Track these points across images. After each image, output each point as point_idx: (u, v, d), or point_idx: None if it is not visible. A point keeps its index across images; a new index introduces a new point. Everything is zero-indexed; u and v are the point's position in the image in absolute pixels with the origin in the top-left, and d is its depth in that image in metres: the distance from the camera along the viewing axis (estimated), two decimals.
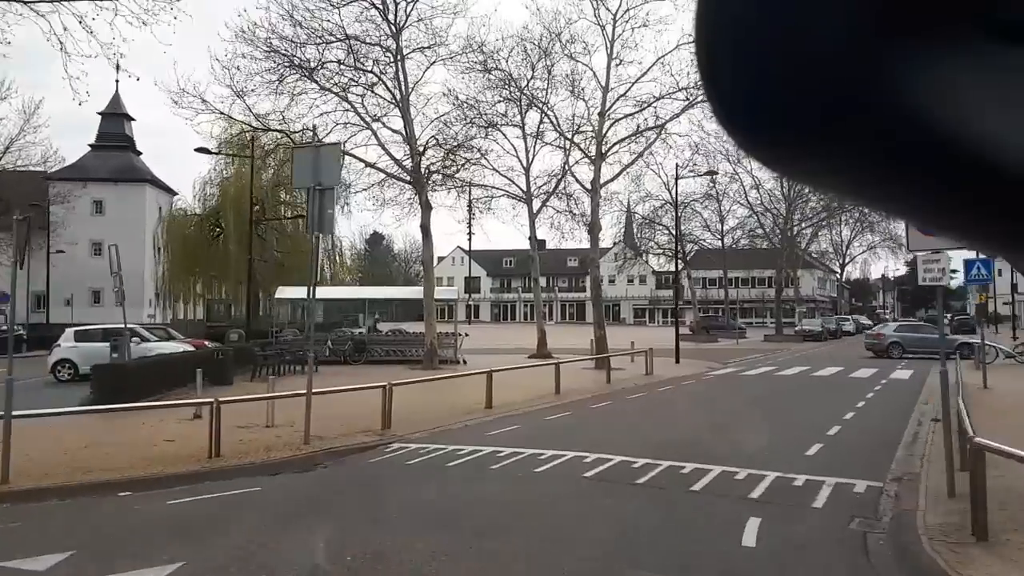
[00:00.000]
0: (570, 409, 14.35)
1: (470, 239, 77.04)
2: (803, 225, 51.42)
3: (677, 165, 27.39)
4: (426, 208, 22.87)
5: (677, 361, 27.61)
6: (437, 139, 22.86)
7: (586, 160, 25.59)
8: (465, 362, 25.32)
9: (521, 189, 29.70)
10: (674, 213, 44.43)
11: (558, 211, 30.24)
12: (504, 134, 29.32)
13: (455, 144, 24.11)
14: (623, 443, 10.39)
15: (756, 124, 0.43)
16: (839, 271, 70.34)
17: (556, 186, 29.36)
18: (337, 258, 43.32)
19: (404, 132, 22.67)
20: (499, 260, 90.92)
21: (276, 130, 22.01)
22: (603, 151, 23.89)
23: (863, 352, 34.42)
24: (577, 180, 25.89)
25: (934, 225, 0.46)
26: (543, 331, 28.91)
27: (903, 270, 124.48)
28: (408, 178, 23.19)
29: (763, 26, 0.41)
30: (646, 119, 24.82)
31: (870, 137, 0.41)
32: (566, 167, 27.01)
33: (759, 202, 47.16)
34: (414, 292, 28.96)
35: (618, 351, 24.55)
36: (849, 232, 67.36)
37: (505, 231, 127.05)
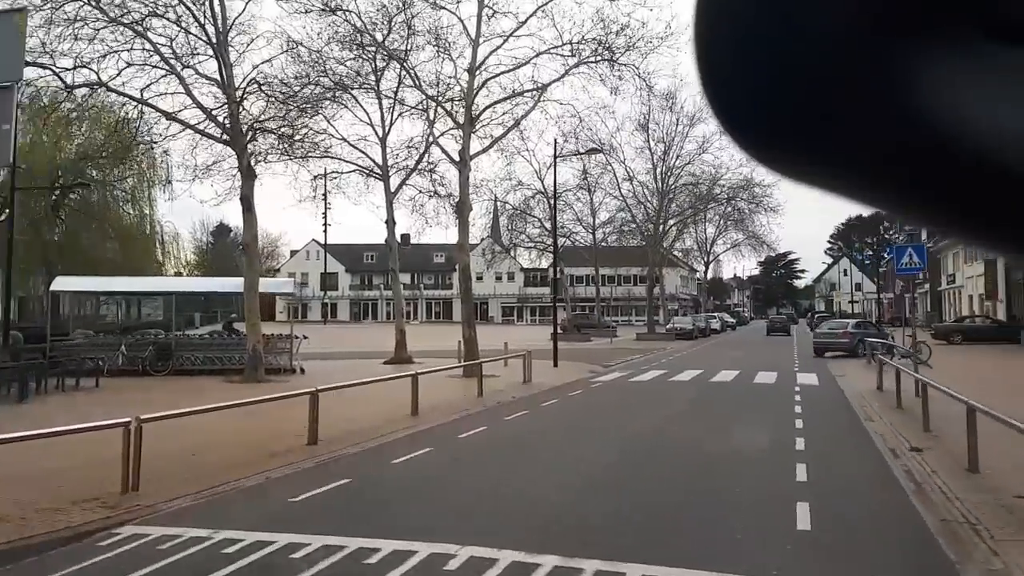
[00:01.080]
0: (430, 443, 10.27)
1: (325, 230, 71.10)
2: (671, 222, 49.98)
3: (556, 141, 23.95)
4: (247, 175, 18.04)
5: (555, 364, 24.18)
6: (259, 83, 18.03)
7: (454, 130, 21.55)
8: (303, 371, 20.65)
9: (376, 163, 25.28)
10: (548, 202, 41.39)
11: (421, 190, 26.07)
12: (355, 98, 24.83)
13: (288, 94, 19.38)
14: (511, 515, 6.49)
15: (755, 124, 0.44)
16: (704, 269, 70.31)
17: (419, 160, 25.20)
18: (171, 248, 36.86)
19: (220, 76, 17.74)
20: (359, 254, 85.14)
21: (39, 65, 16.42)
22: (473, 115, 19.97)
23: (734, 353, 32.58)
24: (444, 151, 21.88)
25: (934, 225, 0.45)
26: (402, 331, 24.66)
27: (757, 269, 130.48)
28: (223, 135, 18.24)
29: (762, 26, 0.41)
30: (523, 85, 21.17)
31: (870, 138, 0.41)
32: (430, 138, 22.91)
33: (631, 194, 45.06)
34: (232, 284, 23.75)
35: (490, 355, 20.74)
36: (714, 230, 67.59)
37: (367, 223, 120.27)
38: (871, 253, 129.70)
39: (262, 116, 19.60)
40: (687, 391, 16.81)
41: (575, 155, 25.05)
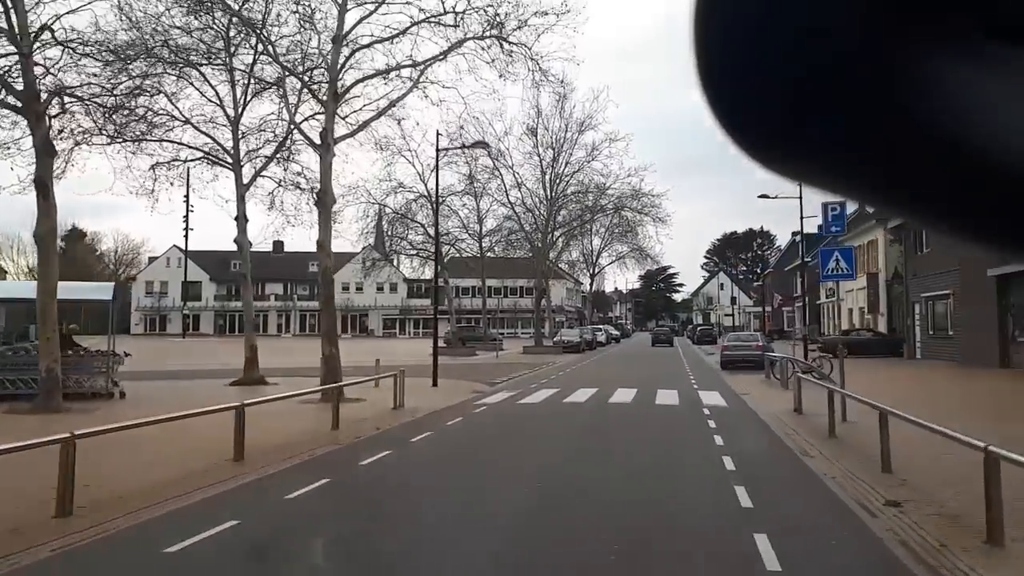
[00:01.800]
0: (237, 511, 7.16)
1: (186, 234, 65.02)
2: (559, 233, 48.27)
3: (439, 133, 21.16)
4: (45, 151, 14.19)
5: (435, 384, 21.34)
6: (53, 31, 14.22)
7: (320, 114, 18.40)
8: (123, 395, 16.82)
9: (226, 149, 21.66)
10: (432, 207, 38.59)
11: (281, 183, 22.63)
12: (203, 74, 21.19)
13: (110, 59, 15.70)
14: None
15: (755, 125, 0.44)
16: (589, 282, 69.39)
17: (279, 147, 21.77)
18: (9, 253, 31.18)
19: (7, 22, 13.90)
20: (226, 262, 78.90)
21: None
22: (338, 91, 16.91)
23: (626, 368, 30.89)
24: (304, 135, 18.62)
25: (934, 225, 0.45)
26: (253, 348, 21.10)
27: (638, 283, 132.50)
28: (12, 100, 14.35)
29: (761, 27, 0.41)
30: (399, 62, 18.32)
31: (871, 138, 0.41)
32: (292, 125, 19.60)
33: (520, 202, 42.94)
34: (20, 289, 19.51)
35: (359, 375, 17.70)
36: (600, 242, 66.82)
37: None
38: (745, 268, 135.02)
39: (77, 83, 15.78)
40: (585, 417, 14.38)
41: (460, 148, 22.49)
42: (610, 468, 9.28)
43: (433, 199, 40.58)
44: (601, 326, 63.58)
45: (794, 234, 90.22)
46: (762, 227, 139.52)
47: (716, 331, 65.41)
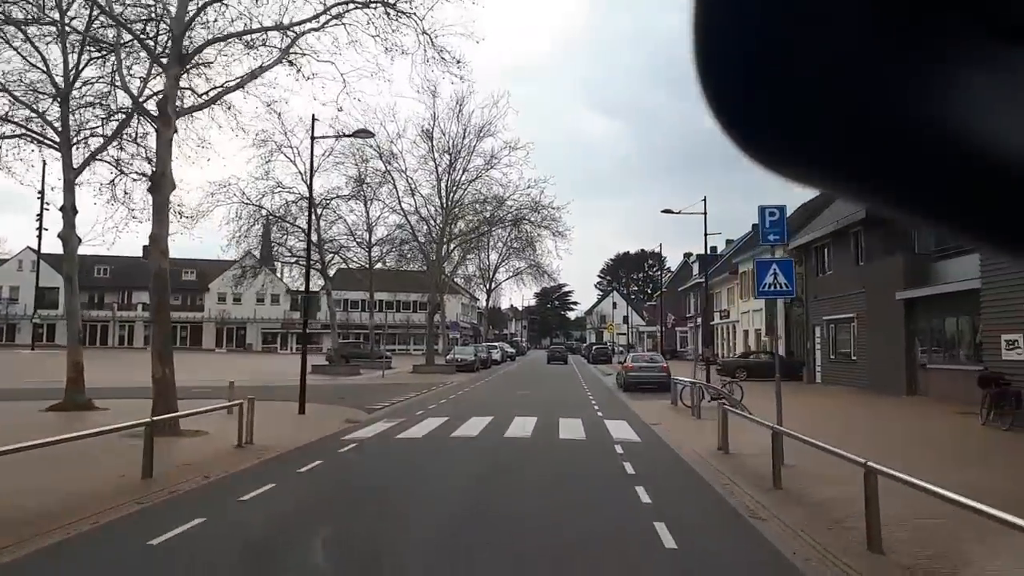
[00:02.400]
0: None
1: (40, 235, 58.05)
2: (454, 245, 45.75)
3: (314, 117, 18.15)
4: None
5: (302, 411, 18.27)
6: None
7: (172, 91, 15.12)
8: None
9: (52, 126, 17.92)
10: (315, 210, 35.26)
11: (122, 169, 19.02)
12: (26, 34, 17.45)
13: None
14: None
15: (755, 124, 0.44)
16: (485, 297, 67.15)
17: (121, 127, 18.20)
18: None
19: None
20: (88, 267, 71.69)
21: None
22: (183, 52, 13.77)
23: (523, 390, 28.65)
24: (139, 107, 15.26)
25: (935, 225, 0.45)
26: (77, 364, 17.35)
27: (533, 300, 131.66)
28: None
29: (762, 26, 0.41)
30: (263, 30, 15.34)
31: (871, 138, 0.41)
32: (131, 97, 16.19)
33: (413, 210, 40.10)
34: None
35: (206, 402, 14.48)
36: (497, 257, 64.78)
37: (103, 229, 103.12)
38: (636, 288, 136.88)
39: None
40: (476, 460, 11.77)
41: (339, 137, 19.59)
42: (504, 557, 6.71)
43: (315, 203, 37.25)
44: (497, 343, 61.36)
45: (686, 255, 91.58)
46: (653, 249, 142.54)
47: (610, 350, 64.50)
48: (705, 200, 28.36)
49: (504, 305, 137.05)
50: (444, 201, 39.42)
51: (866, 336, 26.00)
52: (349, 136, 18.96)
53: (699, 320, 58.58)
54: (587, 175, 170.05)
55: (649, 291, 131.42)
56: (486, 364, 46.65)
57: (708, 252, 29.92)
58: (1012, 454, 12.25)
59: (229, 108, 17.78)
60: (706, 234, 28.47)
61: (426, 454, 12.22)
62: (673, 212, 29.21)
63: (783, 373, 33.01)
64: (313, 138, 18.87)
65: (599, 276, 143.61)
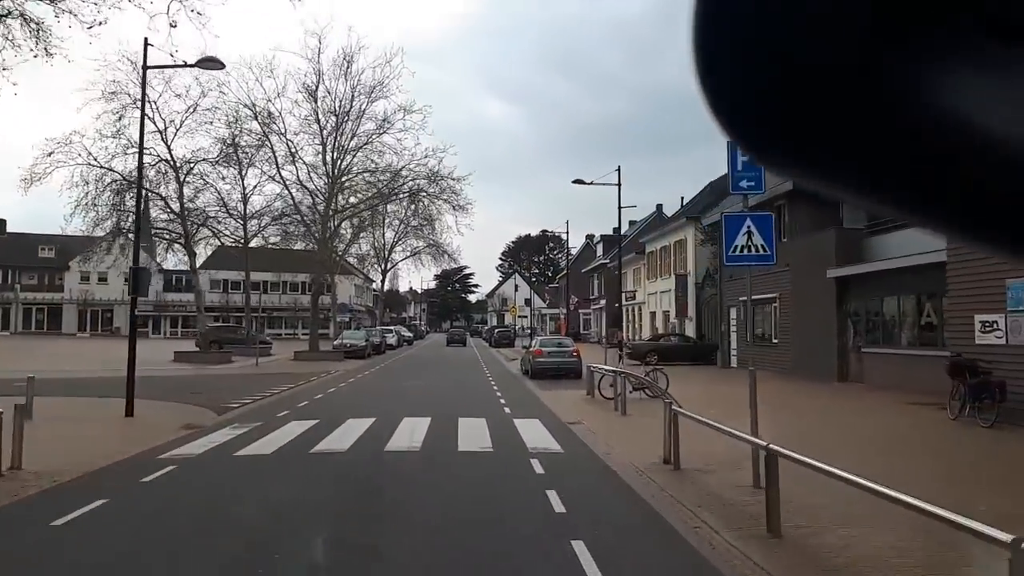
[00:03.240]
0: None
1: None
2: (343, 219, 41.57)
3: (146, 41, 13.97)
4: None
5: (130, 413, 14.30)
6: None
7: None
8: None
9: None
10: (177, 176, 30.65)
11: None
12: None
13: None
14: None
15: (755, 124, 0.44)
16: (381, 279, 63.10)
17: None
18: None
19: None
20: None
21: None
22: None
23: (417, 381, 25.37)
24: None
25: (934, 225, 0.45)
26: None
27: (434, 283, 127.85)
28: None
29: (762, 26, 0.41)
30: None
31: (870, 138, 0.41)
32: None
33: (295, 178, 35.69)
34: None
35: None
36: (393, 235, 60.69)
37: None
38: (537, 271, 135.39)
39: None
40: (336, 494, 8.33)
41: (179, 67, 15.47)
42: None
43: (174, 165, 32.44)
44: (392, 327, 57.52)
45: (588, 236, 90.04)
46: (554, 231, 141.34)
47: (512, 333, 61.87)
48: (619, 169, 25.76)
49: (403, 288, 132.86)
50: (330, 170, 35.23)
51: (790, 317, 24.12)
52: (193, 66, 14.93)
53: (603, 302, 56.80)
54: (485, 160, 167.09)
55: (550, 274, 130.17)
56: (379, 349, 42.88)
57: (617, 231, 27.32)
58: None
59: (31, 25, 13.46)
60: (620, 207, 25.87)
61: (266, 482, 8.72)
62: (585, 183, 26.44)
63: (696, 356, 30.97)
64: (146, 67, 14.74)
65: (500, 259, 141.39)
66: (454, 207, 37.58)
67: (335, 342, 38.28)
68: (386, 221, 59.67)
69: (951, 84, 0.39)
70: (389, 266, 61.45)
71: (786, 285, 24.22)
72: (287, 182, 35.46)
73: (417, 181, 36.33)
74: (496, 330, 64.05)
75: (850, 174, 0.43)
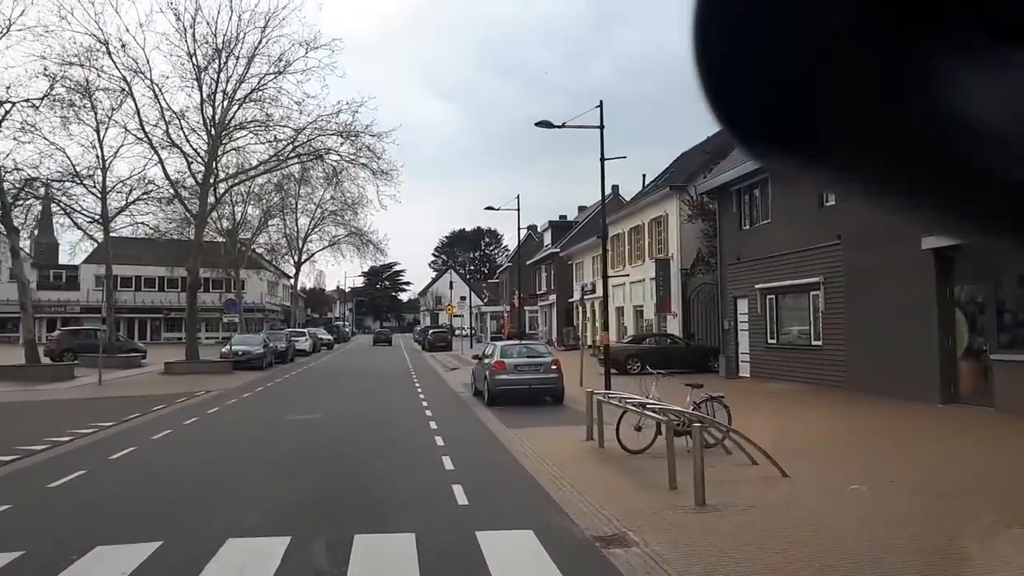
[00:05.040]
0: None
1: None
2: (226, 191, 33.13)
3: None
4: None
5: None
6: None
7: None
8: None
9: None
10: None
11: None
12: None
13: None
14: None
15: (755, 122, 0.44)
16: (295, 271, 54.53)
17: None
18: None
19: None
20: None
21: None
22: None
23: (315, 411, 17.53)
24: None
25: (933, 223, 0.45)
26: None
27: (361, 281, 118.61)
28: None
29: (762, 26, 0.41)
30: None
31: (871, 137, 0.42)
32: None
33: (163, 133, 27.10)
34: None
35: None
36: (308, 222, 52.13)
37: None
38: (473, 268, 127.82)
39: None
40: None
41: None
42: None
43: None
44: (305, 329, 48.97)
45: (530, 227, 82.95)
46: (489, 227, 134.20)
47: (449, 334, 54.13)
48: (601, 105, 18.50)
49: (330, 287, 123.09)
50: (210, 124, 26.77)
51: (842, 310, 17.33)
52: None
53: (553, 297, 49.81)
54: (419, 158, 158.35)
55: (486, 271, 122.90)
56: (284, 357, 34.64)
57: (603, 194, 20.10)
58: None
59: None
60: (603, 159, 18.55)
61: None
62: (555, 125, 19.17)
63: (688, 363, 23.91)
64: None
65: (434, 255, 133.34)
66: (374, 172, 29.34)
67: (223, 349, 29.88)
68: (299, 205, 51.35)
69: (951, 83, 0.38)
70: (304, 257, 52.99)
71: (836, 265, 17.43)
72: (153, 142, 26.83)
73: (324, 140, 28.16)
74: (431, 331, 56.15)
75: (849, 170, 0.43)
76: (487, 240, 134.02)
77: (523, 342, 19.53)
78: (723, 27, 0.41)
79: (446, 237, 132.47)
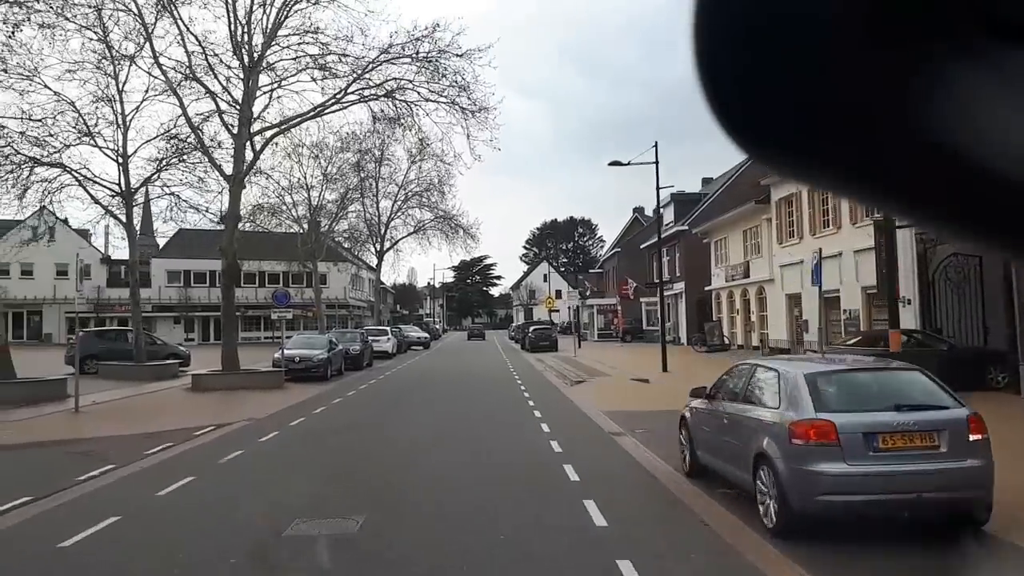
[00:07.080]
0: None
1: None
2: (266, 143, 26.15)
3: None
4: None
5: None
6: None
7: None
8: None
9: None
10: None
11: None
12: None
13: None
14: None
15: (755, 124, 0.44)
16: (376, 260, 47.97)
17: None
18: None
19: None
20: None
21: None
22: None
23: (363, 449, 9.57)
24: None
25: (933, 225, 0.45)
26: None
27: (452, 276, 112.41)
28: None
29: (762, 27, 0.41)
30: None
31: (871, 138, 0.41)
32: None
33: (186, 65, 20.22)
34: None
35: None
36: (391, 205, 45.32)
37: None
38: (566, 260, 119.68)
39: None
40: None
41: None
42: None
43: None
44: (387, 328, 42.17)
45: (636, 209, 73.91)
46: (583, 216, 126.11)
47: (553, 331, 46.07)
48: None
49: (422, 283, 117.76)
50: (243, 51, 19.72)
51: None
52: None
53: (681, 285, 41.00)
54: (507, 156, 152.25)
55: (580, 263, 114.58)
56: (359, 362, 27.66)
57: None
58: None
59: None
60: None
61: None
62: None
63: (949, 376, 15.24)
64: None
65: (525, 247, 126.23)
66: (464, 111, 21.28)
67: (276, 354, 22.98)
68: (379, 187, 44.60)
69: (951, 84, 0.38)
70: (388, 245, 46.30)
71: None
72: (172, 82, 20.05)
73: (398, 61, 20.43)
74: (531, 327, 48.29)
75: (850, 173, 0.43)
76: (580, 231, 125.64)
77: (868, 367, 7.35)
78: (723, 29, 0.41)
79: (537, 229, 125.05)
